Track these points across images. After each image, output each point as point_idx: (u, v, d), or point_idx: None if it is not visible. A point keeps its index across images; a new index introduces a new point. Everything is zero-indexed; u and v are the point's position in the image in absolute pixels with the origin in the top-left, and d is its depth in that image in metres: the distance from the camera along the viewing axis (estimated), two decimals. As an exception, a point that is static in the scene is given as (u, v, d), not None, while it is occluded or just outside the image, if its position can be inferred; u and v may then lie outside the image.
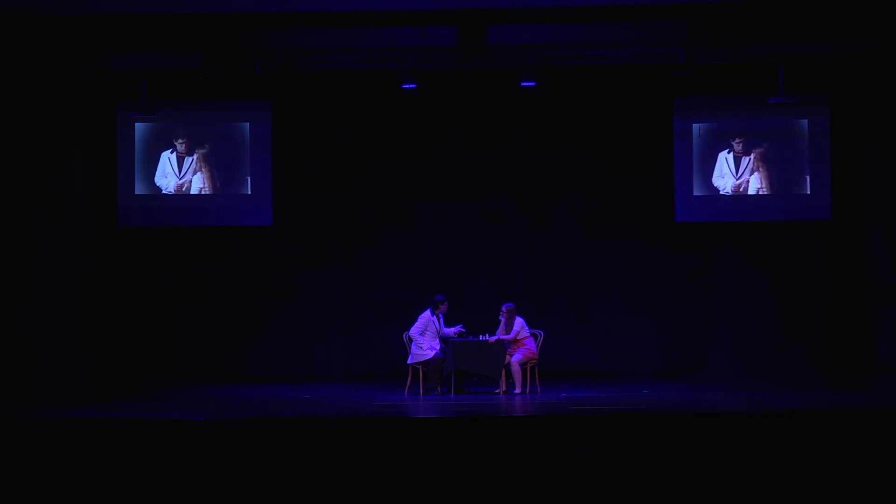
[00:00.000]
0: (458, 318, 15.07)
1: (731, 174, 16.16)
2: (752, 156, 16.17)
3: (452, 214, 16.86)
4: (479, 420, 12.06)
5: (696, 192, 16.28)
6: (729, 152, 16.19)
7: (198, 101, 16.23)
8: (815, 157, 16.07)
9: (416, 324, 14.67)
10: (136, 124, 16.19)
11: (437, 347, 14.62)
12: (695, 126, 16.27)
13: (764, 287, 16.37)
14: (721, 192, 16.19)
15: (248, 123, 16.40)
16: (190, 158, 16.32)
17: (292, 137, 16.65)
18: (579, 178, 16.76)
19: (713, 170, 16.18)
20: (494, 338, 14.55)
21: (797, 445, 11.35)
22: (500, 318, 14.70)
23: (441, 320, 14.78)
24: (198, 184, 16.31)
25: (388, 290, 16.86)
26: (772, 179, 16.13)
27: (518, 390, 14.46)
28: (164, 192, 16.29)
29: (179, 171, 16.28)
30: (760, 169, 16.12)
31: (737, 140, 16.13)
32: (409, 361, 14.73)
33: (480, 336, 14.64)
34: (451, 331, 14.76)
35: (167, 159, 16.27)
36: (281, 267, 16.79)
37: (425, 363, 14.58)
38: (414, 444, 11.47)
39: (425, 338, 14.60)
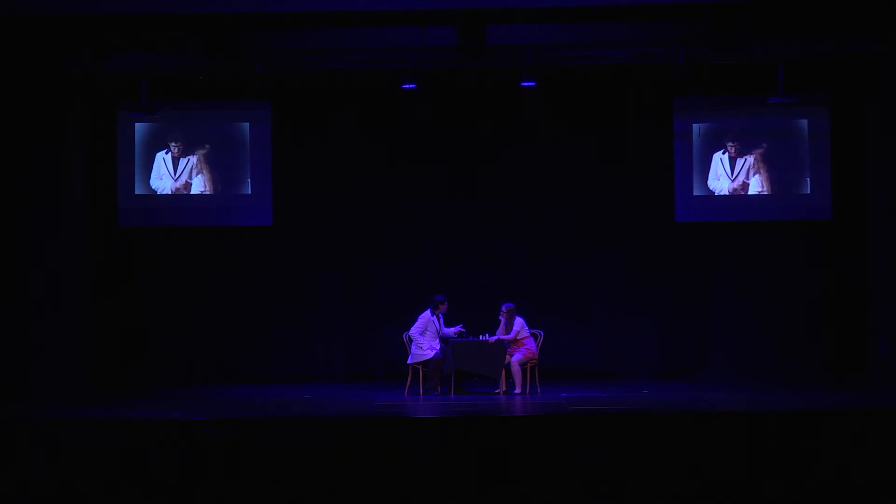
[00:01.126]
0: (458, 318, 15.07)
1: (726, 175, 16.17)
2: (750, 157, 16.17)
3: (452, 214, 16.86)
4: (479, 420, 12.07)
5: (696, 192, 16.28)
6: (724, 153, 16.20)
7: (198, 102, 16.24)
8: (815, 157, 16.08)
9: (416, 324, 14.66)
10: (136, 124, 16.20)
11: (437, 347, 14.62)
12: (695, 126, 16.28)
13: (764, 287, 16.38)
14: (717, 194, 16.20)
15: (248, 123, 16.40)
16: (185, 159, 16.32)
17: (292, 137, 16.65)
18: (579, 178, 16.76)
19: (711, 171, 16.19)
20: (494, 338, 14.55)
21: (797, 445, 11.35)
22: (500, 318, 14.70)
23: (441, 320, 14.78)
24: (199, 186, 16.32)
25: (388, 290, 16.86)
26: (772, 180, 16.14)
27: (518, 390, 14.46)
28: (159, 193, 16.29)
29: (175, 172, 16.28)
30: (761, 171, 16.12)
31: (731, 143, 16.14)
32: (409, 361, 14.73)
33: (480, 336, 14.64)
34: (451, 331, 14.76)
35: (162, 160, 16.27)
36: (281, 267, 16.79)
37: (425, 363, 14.58)
38: (414, 444, 11.46)
39: (425, 338, 14.60)
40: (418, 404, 13.76)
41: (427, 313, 14.70)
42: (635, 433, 11.48)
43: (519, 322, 14.63)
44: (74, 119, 15.27)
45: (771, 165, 16.14)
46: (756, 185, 16.14)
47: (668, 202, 16.40)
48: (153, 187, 16.26)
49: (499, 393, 14.53)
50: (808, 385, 15.12)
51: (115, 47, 14.58)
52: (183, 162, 16.31)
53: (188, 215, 16.40)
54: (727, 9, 13.50)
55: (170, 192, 16.29)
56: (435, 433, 11.62)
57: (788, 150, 16.15)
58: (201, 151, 16.36)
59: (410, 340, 14.70)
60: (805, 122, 16.08)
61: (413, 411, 13.20)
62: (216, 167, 16.37)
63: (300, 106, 16.56)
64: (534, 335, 14.77)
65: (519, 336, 14.59)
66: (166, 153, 16.30)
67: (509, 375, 14.53)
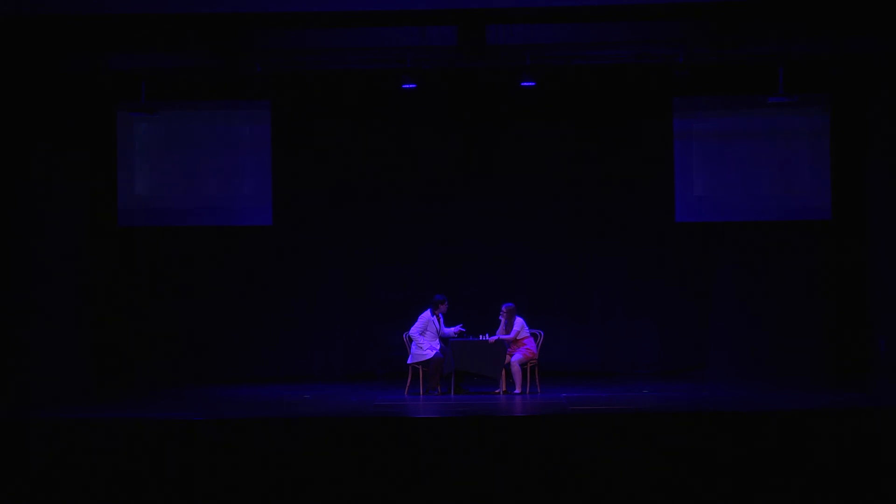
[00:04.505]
0: (458, 318, 15.08)
1: (726, 176, 16.17)
2: (750, 157, 16.16)
3: (452, 214, 16.85)
4: (480, 420, 12.07)
5: (696, 192, 16.27)
6: (724, 154, 16.18)
7: (198, 101, 16.23)
8: (815, 157, 16.06)
9: (416, 324, 14.67)
10: (136, 124, 16.18)
11: (437, 347, 14.62)
12: (695, 126, 16.26)
13: (764, 287, 16.37)
14: (716, 194, 16.18)
15: (247, 123, 16.38)
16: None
17: (292, 137, 16.65)
18: (579, 178, 16.76)
19: (711, 171, 16.19)
20: (494, 338, 14.55)
21: (797, 445, 11.35)
22: (500, 318, 14.70)
23: (441, 320, 14.78)
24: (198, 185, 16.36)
25: (388, 290, 16.85)
26: (772, 180, 16.13)
27: (518, 390, 14.46)
28: None
29: None
30: (761, 171, 16.11)
31: (731, 143, 16.14)
32: (409, 361, 14.74)
33: (480, 336, 14.64)
34: (451, 331, 14.76)
35: None
36: (281, 267, 16.79)
37: (425, 363, 14.58)
38: (414, 444, 11.47)
39: (425, 338, 14.60)
40: (418, 404, 13.77)
41: (427, 313, 14.70)
42: (635, 433, 11.48)
43: (519, 322, 14.63)
44: (74, 119, 15.26)
45: (771, 165, 16.13)
46: (756, 185, 16.12)
47: (668, 202, 16.39)
48: None
49: (499, 393, 14.53)
50: (808, 385, 15.12)
51: (115, 47, 14.54)
52: None
53: (188, 215, 16.38)
54: (727, 9, 13.48)
55: None
56: (435, 433, 11.62)
57: (788, 149, 16.14)
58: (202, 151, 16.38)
59: (410, 340, 14.70)
60: (805, 121, 16.07)
61: (413, 411, 13.20)
62: (216, 167, 16.36)
63: (300, 106, 16.55)
64: (534, 335, 14.77)
65: (519, 336, 14.59)
66: None
67: (509, 375, 14.53)
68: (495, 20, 13.75)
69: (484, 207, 16.84)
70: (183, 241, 16.62)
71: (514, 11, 13.27)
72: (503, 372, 14.53)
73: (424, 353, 14.57)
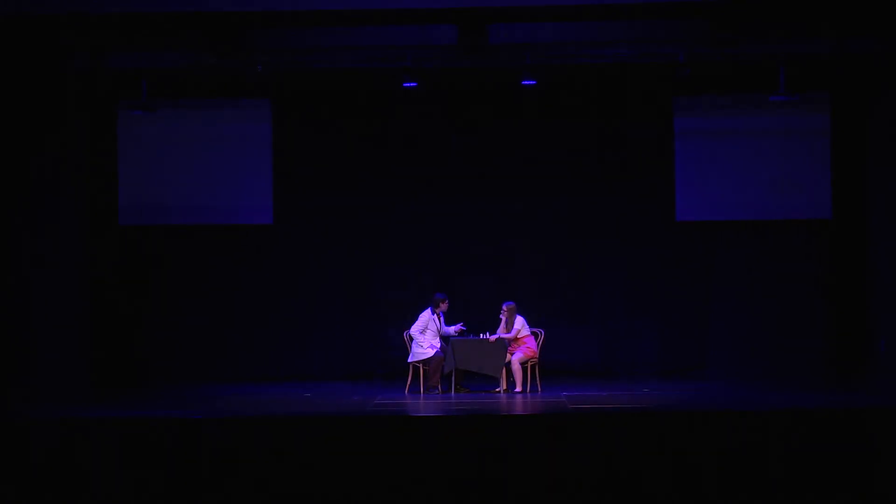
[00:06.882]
0: (459, 316, 15.07)
1: (725, 175, 16.17)
2: (750, 156, 16.16)
3: (452, 214, 16.84)
4: (480, 419, 12.07)
5: (696, 192, 16.28)
6: (723, 153, 16.19)
7: (198, 100, 16.23)
8: (815, 156, 16.07)
9: (417, 322, 14.66)
10: (137, 123, 16.17)
11: (438, 346, 14.62)
12: (695, 125, 16.26)
13: (764, 287, 16.37)
14: (717, 193, 16.18)
15: (248, 122, 16.38)
16: None
17: (292, 137, 16.64)
18: (580, 177, 16.75)
19: (711, 170, 16.19)
20: (495, 336, 14.55)
21: (797, 445, 11.35)
22: (501, 316, 14.70)
23: (441, 319, 14.78)
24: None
25: (388, 289, 16.84)
26: (772, 179, 16.13)
27: (519, 389, 14.46)
28: None
29: None
30: (761, 170, 16.12)
31: (730, 142, 16.15)
32: (409, 360, 14.74)
33: (481, 335, 14.65)
34: (452, 329, 14.76)
35: None
36: (281, 266, 16.78)
37: (426, 362, 14.58)
38: (414, 442, 11.46)
39: (426, 336, 14.60)
40: (419, 403, 13.78)
41: (427, 312, 14.70)
42: (636, 432, 11.48)
43: (520, 321, 14.63)
44: (75, 117, 15.24)
45: (771, 164, 16.13)
46: (756, 184, 16.12)
47: (668, 202, 16.40)
48: None
49: (499, 391, 14.53)
50: (807, 385, 15.12)
51: (116, 46, 14.56)
52: None
53: (188, 214, 16.39)
54: (728, 7, 13.49)
55: None
56: (436, 432, 11.62)
57: (788, 149, 16.15)
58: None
59: (411, 339, 14.70)
60: (805, 121, 16.07)
61: (414, 410, 13.20)
62: (217, 166, 16.36)
63: (300, 104, 16.56)
64: (534, 334, 14.77)
65: (519, 335, 14.59)
66: None
67: (510, 374, 14.53)
68: (496, 19, 13.76)
69: (484, 207, 16.82)
70: (183, 239, 16.62)
71: (514, 10, 13.28)
72: (504, 370, 14.53)
73: (425, 351, 14.57)
